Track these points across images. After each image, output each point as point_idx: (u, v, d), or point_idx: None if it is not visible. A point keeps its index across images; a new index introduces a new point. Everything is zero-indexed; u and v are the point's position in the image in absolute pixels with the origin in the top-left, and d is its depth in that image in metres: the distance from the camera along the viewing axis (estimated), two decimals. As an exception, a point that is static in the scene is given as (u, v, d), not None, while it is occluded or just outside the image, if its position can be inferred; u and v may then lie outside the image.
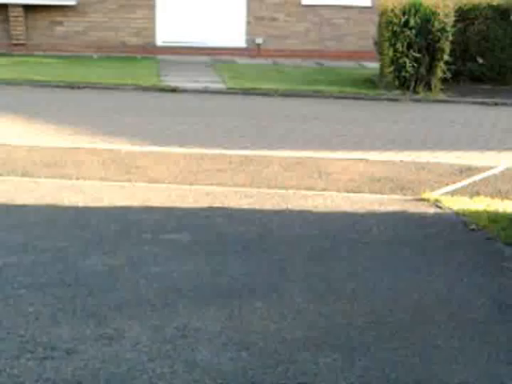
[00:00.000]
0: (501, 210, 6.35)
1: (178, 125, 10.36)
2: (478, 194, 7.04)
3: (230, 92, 13.57)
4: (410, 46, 13.32)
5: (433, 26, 13.27)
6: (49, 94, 12.81)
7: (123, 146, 8.74)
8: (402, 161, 8.49)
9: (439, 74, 13.59)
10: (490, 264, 5.17)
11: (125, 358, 3.63)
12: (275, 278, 4.72)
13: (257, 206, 6.34)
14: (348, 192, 6.99)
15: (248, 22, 17.92)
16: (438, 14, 13.33)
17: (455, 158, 8.78)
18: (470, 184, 7.49)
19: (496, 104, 13.20)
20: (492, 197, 6.90)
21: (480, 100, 13.42)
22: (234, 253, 5.14)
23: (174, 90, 13.51)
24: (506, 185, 7.49)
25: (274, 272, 4.82)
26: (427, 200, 6.66)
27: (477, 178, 7.76)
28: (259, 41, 17.83)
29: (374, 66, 15.77)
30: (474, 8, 14.78)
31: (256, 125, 10.59)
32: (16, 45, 17.25)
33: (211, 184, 7.10)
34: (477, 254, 5.39)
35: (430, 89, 13.62)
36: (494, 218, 6.03)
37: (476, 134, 10.45)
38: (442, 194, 6.92)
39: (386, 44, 13.50)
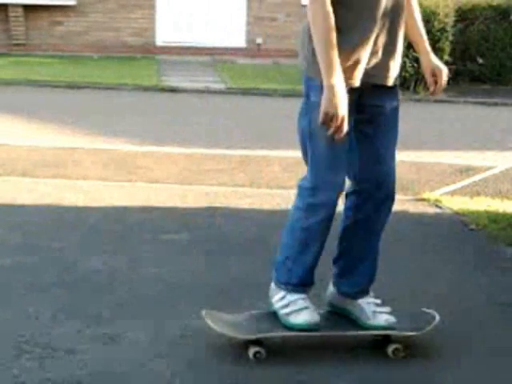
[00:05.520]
0: (501, 210, 6.35)
1: (177, 125, 10.37)
2: (478, 194, 7.04)
3: (230, 92, 13.58)
4: (410, 46, 13.31)
5: (433, 26, 13.28)
6: (49, 94, 12.81)
7: (123, 146, 8.74)
8: (402, 161, 8.49)
9: (439, 74, 13.59)
10: (490, 264, 5.16)
11: (125, 358, 3.63)
12: (275, 278, 4.71)
13: (257, 206, 6.34)
14: (348, 192, 6.97)
15: (248, 22, 17.92)
16: (438, 14, 13.34)
17: (455, 158, 8.78)
18: (470, 184, 7.49)
19: (496, 104, 13.20)
20: (492, 197, 6.90)
21: (480, 100, 13.42)
22: (234, 253, 5.14)
23: (173, 90, 13.52)
24: (506, 185, 7.49)
25: (274, 272, 4.81)
26: (427, 200, 6.66)
27: (477, 178, 7.76)
28: (259, 41, 17.84)
29: (374, 66, 15.76)
30: (474, 8, 14.79)
31: (256, 125, 10.60)
32: (16, 45, 17.26)
33: (211, 184, 7.10)
34: (477, 254, 5.39)
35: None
36: (495, 218, 6.03)
37: (476, 134, 10.45)
38: (442, 194, 6.92)
39: (386, 44, 13.50)
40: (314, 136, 3.60)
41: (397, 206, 6.46)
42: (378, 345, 3.79)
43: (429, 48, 3.96)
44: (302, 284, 3.74)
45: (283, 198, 6.58)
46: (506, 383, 3.60)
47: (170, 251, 5.14)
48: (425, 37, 3.97)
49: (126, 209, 6.15)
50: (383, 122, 3.73)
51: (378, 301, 3.86)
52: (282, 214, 6.18)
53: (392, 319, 3.78)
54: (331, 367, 3.62)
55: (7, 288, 4.42)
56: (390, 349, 3.72)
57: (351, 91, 3.54)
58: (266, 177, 7.50)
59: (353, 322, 3.82)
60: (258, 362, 3.61)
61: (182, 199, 6.46)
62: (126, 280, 4.60)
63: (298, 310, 3.69)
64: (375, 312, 3.80)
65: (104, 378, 3.45)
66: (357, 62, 3.56)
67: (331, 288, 3.92)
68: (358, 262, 3.83)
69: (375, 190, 3.75)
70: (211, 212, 6.11)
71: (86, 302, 4.24)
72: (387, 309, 3.83)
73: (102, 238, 5.39)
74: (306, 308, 3.70)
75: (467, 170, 8.05)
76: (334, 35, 3.44)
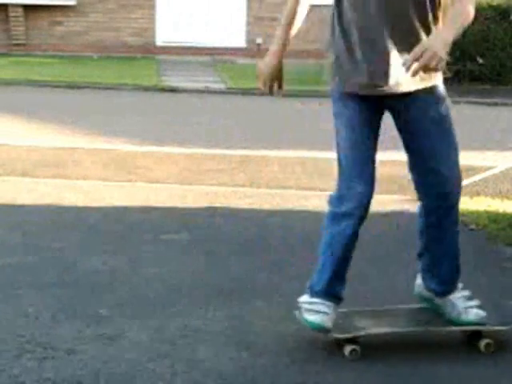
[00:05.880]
0: (501, 210, 6.35)
1: (177, 125, 10.37)
2: (478, 194, 7.03)
3: (230, 92, 13.58)
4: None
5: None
6: (49, 94, 12.81)
7: (123, 146, 8.74)
8: (401, 161, 8.47)
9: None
10: (490, 264, 5.16)
11: (125, 357, 3.63)
12: (275, 278, 4.71)
13: (257, 206, 6.34)
14: (348, 192, 6.97)
15: (248, 22, 17.92)
16: (438, 14, 13.33)
17: (455, 158, 8.76)
18: (469, 184, 7.48)
19: (496, 104, 13.19)
20: (492, 197, 6.90)
21: (480, 100, 13.42)
22: (234, 253, 5.14)
23: (173, 90, 13.52)
24: (506, 185, 7.49)
25: (274, 272, 4.82)
26: (427, 200, 6.64)
27: (477, 178, 7.75)
28: (259, 41, 17.83)
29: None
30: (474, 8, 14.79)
31: (256, 125, 10.59)
32: (16, 45, 17.26)
33: (211, 184, 7.10)
34: (477, 254, 5.38)
35: (429, 89, 13.63)
36: (495, 218, 6.03)
37: (476, 134, 10.44)
38: (442, 194, 6.90)
39: (386, 44, 13.51)
40: (337, 145, 3.73)
41: (396, 206, 6.50)
42: (468, 340, 3.81)
43: (438, 30, 3.46)
44: (322, 291, 3.71)
45: (283, 197, 6.58)
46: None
47: (170, 251, 5.14)
48: (449, 22, 3.43)
49: (126, 209, 6.15)
50: (425, 132, 3.72)
51: (467, 293, 3.87)
52: (281, 214, 6.18)
53: (482, 313, 3.80)
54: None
55: (7, 288, 4.42)
56: (482, 343, 3.72)
57: (362, 99, 3.60)
58: (265, 177, 7.50)
59: (443, 317, 3.82)
60: (352, 360, 3.62)
61: (182, 199, 6.46)
62: (126, 280, 4.60)
63: (315, 311, 3.67)
64: (466, 307, 3.81)
65: (104, 378, 3.45)
66: (349, 68, 3.62)
67: (419, 280, 3.94)
68: (437, 261, 3.86)
69: (438, 201, 3.76)
70: (211, 212, 6.11)
71: (86, 302, 4.24)
72: (477, 302, 3.84)
73: (102, 238, 5.39)
74: (320, 312, 3.67)
75: (467, 170, 8.03)
76: (288, 15, 3.77)
